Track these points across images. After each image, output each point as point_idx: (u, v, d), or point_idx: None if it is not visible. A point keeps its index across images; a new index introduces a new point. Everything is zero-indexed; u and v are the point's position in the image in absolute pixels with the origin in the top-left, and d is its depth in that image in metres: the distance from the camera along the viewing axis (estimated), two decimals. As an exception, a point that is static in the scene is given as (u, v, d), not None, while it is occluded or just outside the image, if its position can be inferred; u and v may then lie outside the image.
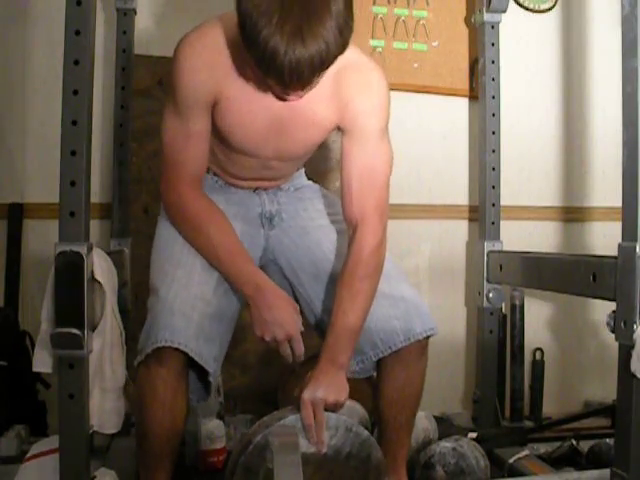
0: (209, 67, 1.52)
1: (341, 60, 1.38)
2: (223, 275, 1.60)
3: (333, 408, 1.52)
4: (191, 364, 1.55)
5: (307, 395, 1.50)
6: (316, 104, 1.56)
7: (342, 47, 1.32)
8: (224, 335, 1.64)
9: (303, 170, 1.89)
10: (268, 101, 1.51)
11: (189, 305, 1.55)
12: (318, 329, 1.75)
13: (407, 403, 1.72)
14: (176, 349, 1.49)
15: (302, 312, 1.70)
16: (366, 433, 1.53)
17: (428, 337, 1.68)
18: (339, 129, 1.63)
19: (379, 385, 1.74)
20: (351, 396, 2.10)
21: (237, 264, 1.58)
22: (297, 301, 1.73)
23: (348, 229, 1.67)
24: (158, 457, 1.58)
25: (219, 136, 1.64)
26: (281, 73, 1.29)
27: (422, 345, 1.68)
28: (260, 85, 1.49)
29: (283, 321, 1.55)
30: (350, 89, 1.57)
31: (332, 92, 1.56)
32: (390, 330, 1.65)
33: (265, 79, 1.38)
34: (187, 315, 1.53)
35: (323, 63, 1.30)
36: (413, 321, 1.66)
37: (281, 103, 1.49)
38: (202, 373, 1.58)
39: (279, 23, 1.25)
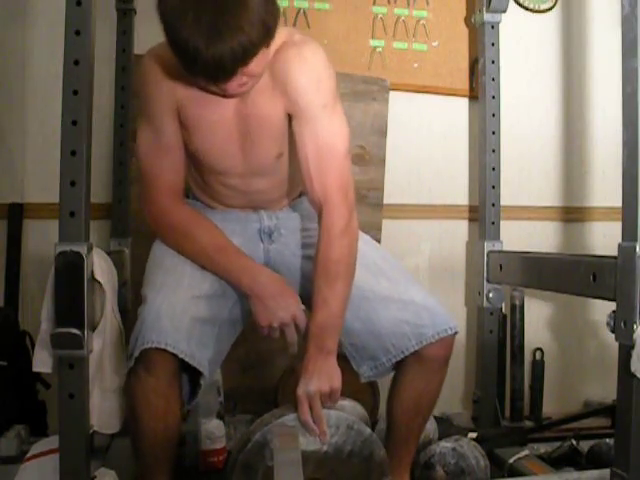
0: (168, 76, 1.55)
1: (273, 46, 1.42)
2: (219, 274, 1.60)
3: (330, 396, 1.52)
4: (184, 367, 1.51)
5: (300, 390, 1.50)
6: (262, 98, 1.55)
7: (265, 35, 1.34)
8: (221, 339, 1.61)
9: (305, 198, 1.80)
10: (222, 108, 1.55)
11: (179, 309, 1.50)
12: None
13: (423, 410, 1.73)
14: (164, 350, 1.44)
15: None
16: (368, 431, 1.53)
17: (451, 336, 1.64)
18: (289, 116, 1.59)
19: (396, 389, 1.71)
20: (351, 396, 2.12)
21: (230, 258, 1.59)
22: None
23: (316, 214, 1.62)
24: (155, 463, 1.57)
25: (192, 158, 1.67)
26: (206, 69, 1.33)
27: (445, 345, 1.64)
28: (205, 89, 1.49)
29: (286, 303, 1.56)
30: (284, 70, 1.53)
31: (271, 80, 1.54)
32: (401, 335, 1.62)
33: (197, 80, 1.43)
34: (176, 318, 1.49)
35: (245, 52, 1.32)
36: (424, 324, 1.62)
37: (233, 108, 1.55)
38: (194, 375, 1.55)
39: (195, 21, 1.27)
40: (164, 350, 1.44)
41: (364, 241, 1.71)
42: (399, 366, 1.68)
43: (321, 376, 1.51)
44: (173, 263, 1.62)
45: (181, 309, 1.51)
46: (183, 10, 1.28)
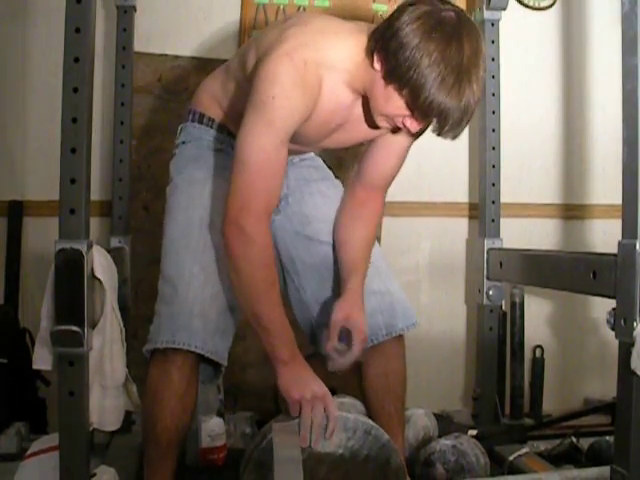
0: (312, 88, 1.49)
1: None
2: (252, 320, 1.53)
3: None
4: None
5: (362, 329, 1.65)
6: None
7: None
8: (235, 323, 1.68)
9: None
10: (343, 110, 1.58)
11: (207, 304, 1.59)
12: (302, 320, 1.80)
13: (392, 390, 1.78)
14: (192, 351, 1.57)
15: (289, 301, 1.79)
16: (386, 437, 1.52)
17: (413, 328, 1.79)
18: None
19: (363, 375, 1.80)
20: (350, 393, 2.13)
21: (279, 319, 1.52)
22: (286, 288, 1.80)
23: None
24: (165, 447, 1.61)
25: None
26: (445, 125, 1.42)
27: (404, 336, 1.80)
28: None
29: (313, 383, 1.51)
30: None
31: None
32: (374, 324, 1.73)
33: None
34: (205, 315, 1.59)
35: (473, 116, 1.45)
36: (396, 316, 1.76)
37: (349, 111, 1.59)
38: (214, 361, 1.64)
39: (455, 90, 1.37)
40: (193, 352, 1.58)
41: None
42: (367, 351, 1.74)
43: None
44: (199, 247, 1.62)
45: (210, 304, 1.60)
46: (445, 75, 1.37)
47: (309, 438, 1.44)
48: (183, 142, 1.75)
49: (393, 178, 1.77)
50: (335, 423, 1.46)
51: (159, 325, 1.61)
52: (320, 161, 1.89)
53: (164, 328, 1.59)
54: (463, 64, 1.37)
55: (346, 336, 1.65)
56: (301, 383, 1.49)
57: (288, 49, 1.46)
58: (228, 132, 1.72)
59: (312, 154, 1.86)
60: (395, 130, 1.56)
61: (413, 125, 1.46)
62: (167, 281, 1.63)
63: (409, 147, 1.71)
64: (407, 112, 1.44)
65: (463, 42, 1.38)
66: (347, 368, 1.66)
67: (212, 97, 1.74)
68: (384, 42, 1.42)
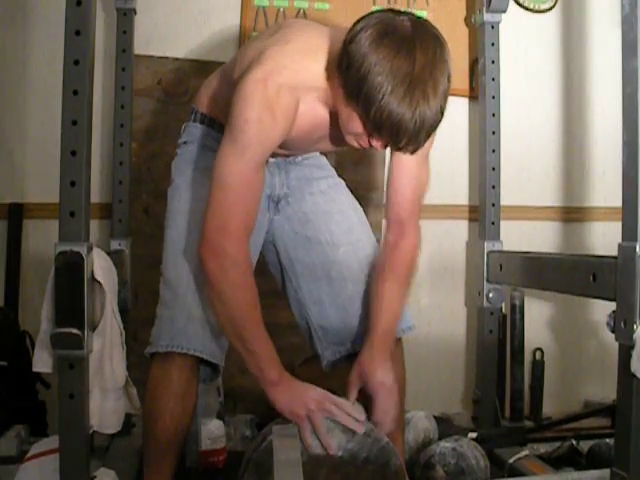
0: (286, 113, 1.48)
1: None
2: (236, 343, 1.53)
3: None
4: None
5: (383, 379, 1.57)
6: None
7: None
8: None
9: None
10: (323, 123, 1.57)
11: (206, 308, 1.59)
12: (301, 320, 1.80)
13: None
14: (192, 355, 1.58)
15: (288, 301, 1.81)
16: (386, 439, 1.52)
17: (410, 331, 1.78)
18: None
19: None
20: (344, 393, 2.12)
21: (264, 340, 1.52)
22: (285, 288, 1.81)
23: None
24: (165, 449, 1.61)
25: None
26: (400, 139, 1.36)
27: (401, 338, 1.77)
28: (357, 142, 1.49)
29: (309, 392, 1.52)
30: None
31: None
32: None
33: (365, 134, 1.42)
34: (205, 319, 1.59)
35: (434, 129, 1.39)
36: None
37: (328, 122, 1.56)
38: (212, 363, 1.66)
39: (406, 93, 1.31)
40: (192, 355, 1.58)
41: (368, 234, 1.84)
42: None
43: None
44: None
45: (209, 307, 1.58)
46: (398, 82, 1.31)
47: (329, 444, 1.47)
48: (185, 142, 1.75)
49: (418, 201, 1.72)
50: (351, 411, 1.51)
51: (160, 328, 1.62)
52: (323, 159, 1.88)
53: (164, 331, 1.60)
54: (414, 74, 1.31)
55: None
56: (299, 398, 1.50)
57: (264, 74, 1.44)
58: None
59: (316, 153, 1.86)
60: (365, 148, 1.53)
61: (377, 144, 1.42)
62: (167, 284, 1.64)
63: (422, 162, 1.68)
64: (367, 130, 1.41)
65: (415, 50, 1.32)
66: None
67: (213, 97, 1.74)
68: (341, 57, 1.39)
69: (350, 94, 1.37)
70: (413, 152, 1.41)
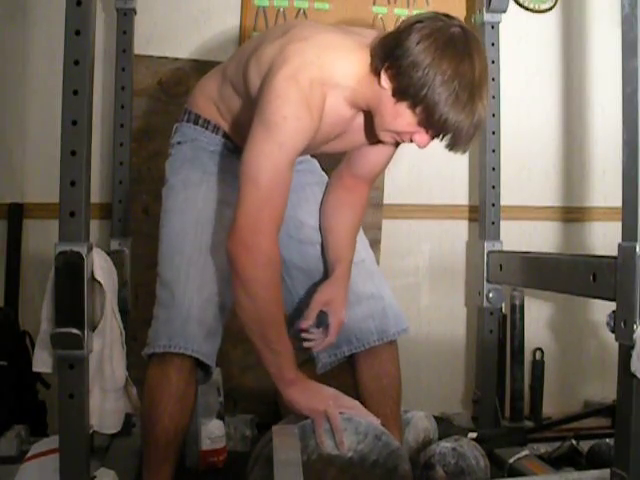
0: (319, 108, 1.50)
1: None
2: (260, 343, 1.51)
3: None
4: None
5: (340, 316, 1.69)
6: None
7: None
8: (224, 321, 1.69)
9: None
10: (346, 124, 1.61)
11: (203, 308, 1.61)
12: (291, 320, 1.79)
13: (387, 393, 1.78)
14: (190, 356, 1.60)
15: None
16: (396, 444, 1.53)
17: (405, 333, 1.80)
18: None
19: (357, 378, 1.80)
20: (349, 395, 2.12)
21: (286, 340, 1.53)
22: None
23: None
24: (164, 449, 1.62)
25: None
26: (459, 142, 1.46)
27: (397, 341, 1.80)
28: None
29: (323, 391, 1.55)
30: None
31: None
32: (366, 329, 1.75)
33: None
34: (201, 321, 1.61)
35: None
36: (388, 322, 1.77)
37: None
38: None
39: (468, 107, 1.40)
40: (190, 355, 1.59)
41: (362, 240, 1.85)
42: (358, 354, 1.78)
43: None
44: (195, 250, 1.64)
45: (206, 309, 1.62)
46: (458, 92, 1.39)
47: (342, 440, 1.49)
48: (178, 142, 1.75)
49: (380, 173, 1.86)
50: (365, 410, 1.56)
51: (157, 329, 1.62)
52: (315, 164, 1.90)
53: (161, 332, 1.61)
54: (475, 80, 1.40)
55: (324, 320, 1.69)
56: (317, 395, 1.52)
57: (293, 70, 1.45)
58: (224, 134, 1.73)
59: (308, 156, 1.87)
60: (397, 143, 1.58)
61: (423, 140, 1.48)
62: (164, 285, 1.65)
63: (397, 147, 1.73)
64: (418, 128, 1.46)
65: (474, 59, 1.41)
66: (320, 349, 1.73)
67: (208, 99, 1.73)
68: (394, 60, 1.42)
69: (409, 95, 1.41)
70: (464, 152, 1.50)
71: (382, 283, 1.82)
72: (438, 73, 1.37)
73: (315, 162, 1.90)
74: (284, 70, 1.45)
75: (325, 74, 1.48)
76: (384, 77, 1.45)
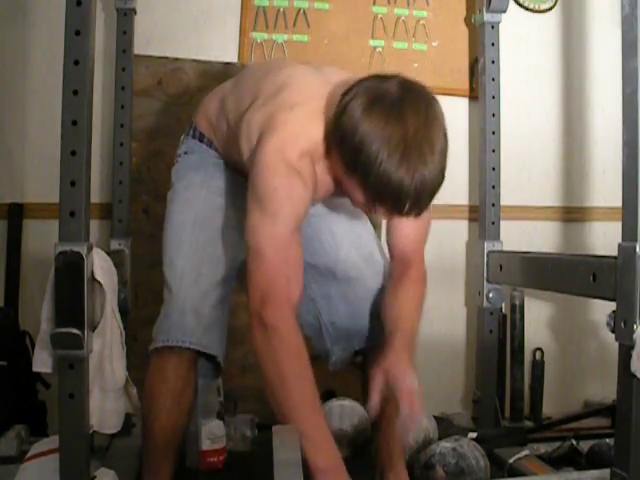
0: (311, 176, 1.47)
1: None
2: (281, 420, 1.40)
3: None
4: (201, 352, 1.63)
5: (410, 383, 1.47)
6: None
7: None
8: (227, 315, 1.70)
9: None
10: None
11: (200, 301, 1.61)
12: (308, 315, 1.78)
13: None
14: (187, 348, 1.59)
15: None
16: None
17: None
18: None
19: (368, 372, 1.70)
20: (351, 396, 2.13)
21: (313, 420, 1.40)
22: None
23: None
24: (163, 448, 1.63)
25: None
26: (402, 205, 1.36)
27: None
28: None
29: None
30: None
31: None
32: (378, 327, 1.68)
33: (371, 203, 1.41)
34: (198, 312, 1.61)
35: (437, 190, 1.41)
36: None
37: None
38: (211, 356, 1.65)
39: (404, 167, 1.31)
40: (187, 348, 1.59)
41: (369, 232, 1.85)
42: (370, 351, 1.74)
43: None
44: (192, 246, 1.65)
45: (202, 300, 1.62)
46: (394, 149, 1.30)
47: None
48: (185, 152, 1.78)
49: (422, 244, 1.73)
50: None
51: (157, 325, 1.64)
52: None
53: (159, 328, 1.63)
54: (408, 138, 1.31)
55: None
56: None
57: (280, 142, 1.43)
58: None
59: None
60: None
61: (381, 211, 1.41)
62: (166, 283, 1.67)
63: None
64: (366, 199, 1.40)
65: (405, 114, 1.32)
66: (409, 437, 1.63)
67: (209, 123, 1.75)
68: (335, 130, 1.40)
69: (348, 165, 1.38)
70: (417, 215, 1.41)
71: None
72: (364, 135, 1.32)
73: None
74: (271, 142, 1.43)
75: (311, 145, 1.46)
76: (335, 148, 1.42)
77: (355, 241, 1.79)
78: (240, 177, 1.66)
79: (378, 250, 1.82)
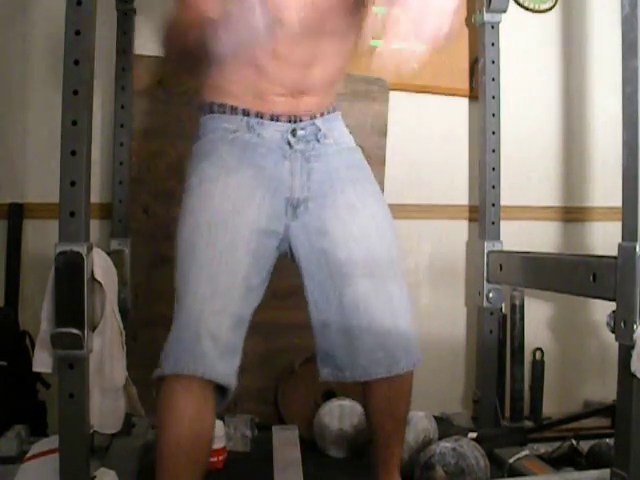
0: None
1: None
2: None
3: None
4: None
5: None
6: None
7: None
8: (243, 336, 1.53)
9: (339, 114, 1.75)
10: None
11: (215, 320, 1.44)
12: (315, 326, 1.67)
13: (394, 412, 1.69)
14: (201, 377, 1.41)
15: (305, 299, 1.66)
16: None
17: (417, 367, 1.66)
18: None
19: (366, 395, 1.70)
20: (350, 396, 2.12)
21: None
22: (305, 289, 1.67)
23: None
24: (183, 472, 1.45)
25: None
26: None
27: (411, 373, 1.66)
28: None
29: None
30: None
31: None
32: (375, 360, 1.60)
33: None
34: (213, 335, 1.43)
35: None
36: (399, 355, 1.60)
37: None
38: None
39: None
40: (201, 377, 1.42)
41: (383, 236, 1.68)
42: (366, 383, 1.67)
43: None
44: (206, 251, 1.48)
45: (218, 322, 1.45)
46: None
47: None
48: (199, 137, 1.65)
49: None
50: None
51: (165, 347, 1.46)
52: (357, 155, 1.74)
53: (168, 350, 1.44)
54: None
55: None
56: None
57: None
58: (243, 111, 1.60)
59: (352, 144, 1.73)
60: None
61: None
62: (175, 293, 1.50)
63: None
64: None
65: None
66: None
67: (211, 83, 1.66)
68: None
69: None
70: None
71: (401, 305, 1.64)
72: None
73: (357, 151, 1.76)
74: None
75: None
76: None
77: (369, 264, 1.64)
78: (260, 147, 1.58)
79: (395, 271, 1.71)
